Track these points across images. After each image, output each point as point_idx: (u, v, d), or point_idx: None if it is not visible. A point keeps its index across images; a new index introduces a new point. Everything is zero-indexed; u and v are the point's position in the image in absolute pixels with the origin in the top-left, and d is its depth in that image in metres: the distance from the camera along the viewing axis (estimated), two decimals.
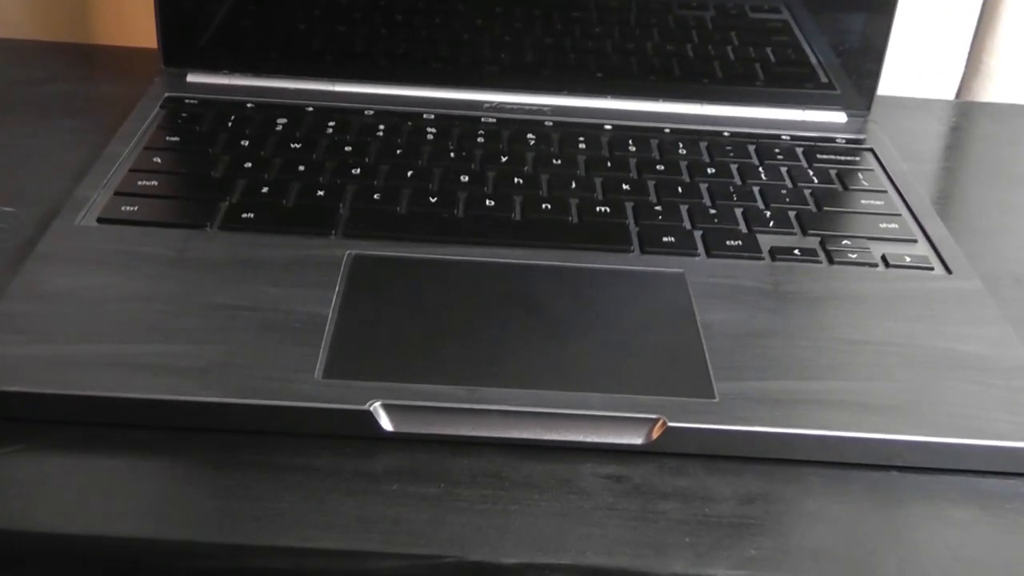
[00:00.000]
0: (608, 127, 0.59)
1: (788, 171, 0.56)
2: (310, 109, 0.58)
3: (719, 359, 0.41)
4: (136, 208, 0.49)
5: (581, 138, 0.58)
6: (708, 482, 0.38)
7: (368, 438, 0.39)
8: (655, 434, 0.39)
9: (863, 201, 0.54)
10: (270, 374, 0.39)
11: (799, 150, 0.58)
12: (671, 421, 0.39)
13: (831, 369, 0.42)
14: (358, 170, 0.53)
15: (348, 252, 0.46)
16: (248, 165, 0.53)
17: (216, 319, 0.42)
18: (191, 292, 0.43)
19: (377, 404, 0.38)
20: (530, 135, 0.58)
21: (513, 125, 0.59)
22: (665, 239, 0.49)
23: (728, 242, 0.49)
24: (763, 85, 0.62)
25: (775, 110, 0.61)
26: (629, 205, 0.52)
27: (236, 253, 0.46)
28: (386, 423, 0.38)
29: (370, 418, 0.38)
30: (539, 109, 0.61)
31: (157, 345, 0.40)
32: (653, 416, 0.39)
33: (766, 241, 0.50)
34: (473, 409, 0.39)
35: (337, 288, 0.44)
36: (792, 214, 0.52)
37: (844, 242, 0.50)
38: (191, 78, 0.60)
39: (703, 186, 0.54)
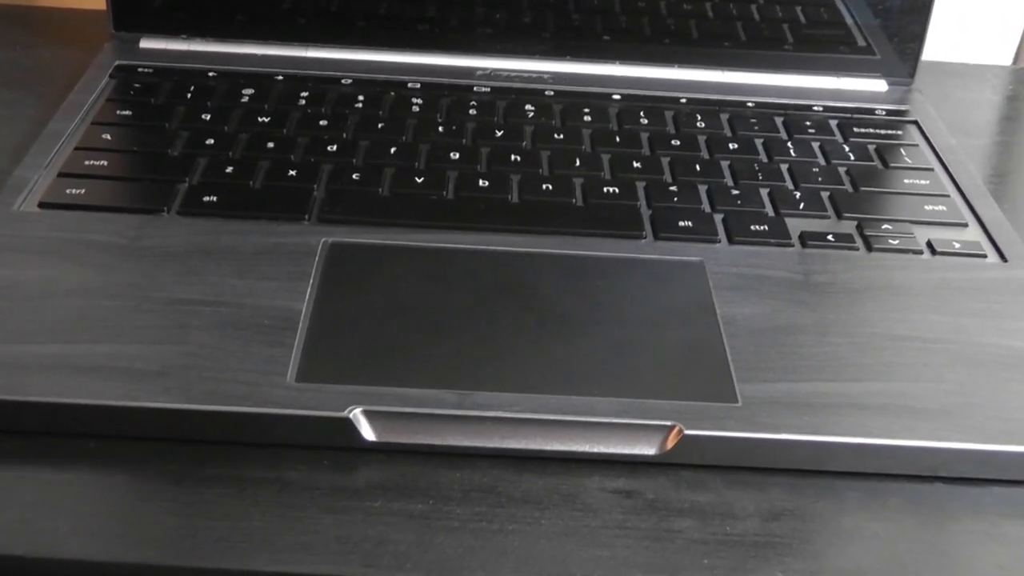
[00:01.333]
0: (617, 97, 0.60)
1: (821, 146, 0.57)
2: (280, 78, 0.59)
3: (742, 358, 0.42)
4: (83, 191, 0.49)
5: (586, 109, 0.58)
6: (729, 497, 0.39)
7: (348, 449, 0.39)
8: (670, 443, 0.39)
9: (906, 180, 0.55)
10: (237, 377, 0.40)
11: (833, 123, 0.59)
12: (688, 428, 0.39)
13: (870, 369, 0.42)
14: (334, 147, 0.53)
15: (324, 239, 0.47)
16: (210, 142, 0.53)
17: (175, 316, 0.42)
18: (146, 285, 0.44)
19: (357, 411, 0.39)
20: (528, 106, 0.58)
21: (509, 95, 0.59)
22: (681, 223, 0.50)
23: (753, 227, 0.50)
24: (792, 49, 0.62)
25: (806, 77, 0.62)
26: (641, 185, 0.52)
27: (197, 241, 0.46)
28: (367, 432, 0.39)
29: (349, 426, 0.39)
30: (539, 77, 0.61)
31: (108, 345, 0.41)
32: (667, 423, 0.39)
33: (796, 225, 0.50)
34: (465, 416, 0.39)
35: (311, 280, 0.44)
36: (825, 195, 0.53)
37: (884, 226, 0.51)
38: (144, 44, 0.61)
39: (724, 164, 0.55)
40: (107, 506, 0.37)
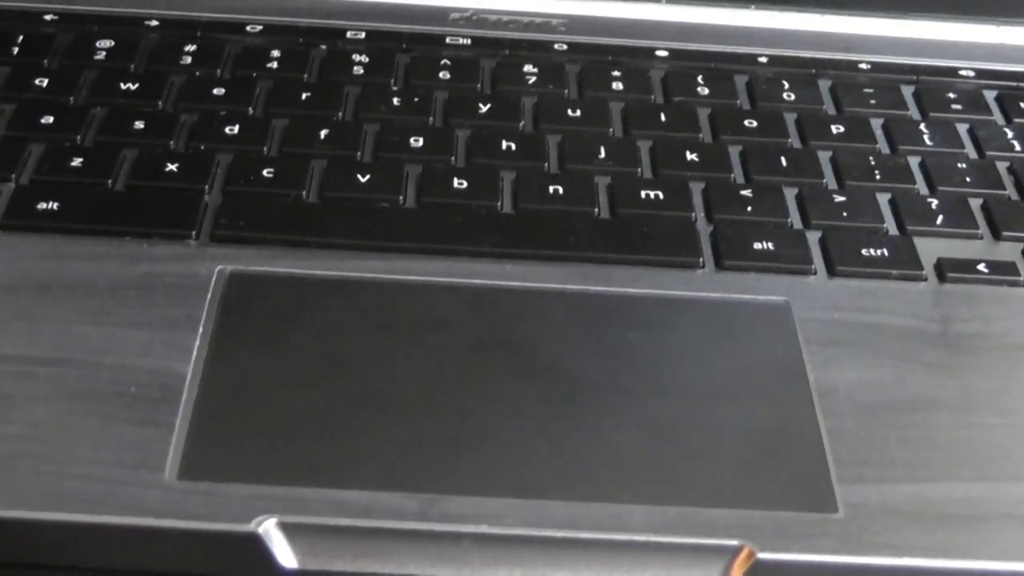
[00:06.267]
0: (662, 53, 0.62)
1: (971, 131, 0.59)
2: (153, 24, 0.61)
3: (845, 447, 0.44)
4: None
5: (616, 72, 0.61)
6: None
7: None
8: (736, 573, 0.41)
9: None
10: (90, 472, 0.41)
11: (990, 95, 0.62)
12: (763, 551, 0.41)
13: None
14: (235, 128, 0.56)
15: (219, 267, 0.49)
16: (47, 120, 0.55)
17: None
18: None
19: (269, 522, 0.40)
20: (529, 67, 0.61)
21: (500, 49, 0.62)
22: (758, 246, 0.52)
23: (865, 251, 0.52)
24: None
25: (949, 25, 0.64)
26: (697, 187, 0.55)
27: (28, 269, 0.48)
28: (285, 555, 0.41)
29: (258, 545, 0.40)
30: (545, 22, 0.64)
31: None
32: (733, 542, 0.41)
33: (931, 249, 0.53)
34: (431, 532, 0.41)
35: (201, 328, 0.46)
36: (976, 204, 0.55)
37: None
38: None
39: (824, 156, 0.57)
40: None
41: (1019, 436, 0.45)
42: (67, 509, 0.40)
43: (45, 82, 0.58)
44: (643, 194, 0.54)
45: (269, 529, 0.40)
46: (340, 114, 0.57)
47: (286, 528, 0.41)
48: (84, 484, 0.41)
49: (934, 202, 0.55)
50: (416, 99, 0.58)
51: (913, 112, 0.60)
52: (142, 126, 0.55)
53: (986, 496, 0.43)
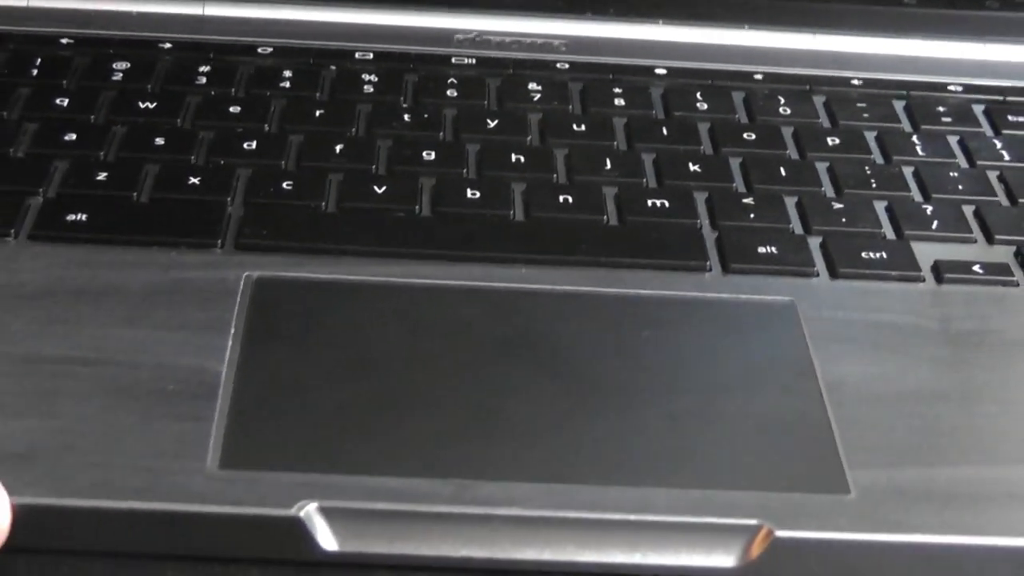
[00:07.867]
0: (662, 71, 0.65)
1: (961, 142, 0.62)
2: (167, 47, 0.64)
3: (854, 434, 0.47)
4: None
5: (618, 89, 0.64)
6: None
7: (297, 563, 0.43)
8: (755, 550, 0.43)
9: None
10: (135, 463, 0.43)
11: (979, 108, 0.65)
12: (780, 529, 0.43)
13: None
14: (253, 143, 0.58)
15: (246, 274, 0.51)
16: (70, 137, 0.58)
17: (39, 379, 0.46)
18: None
19: (310, 507, 0.43)
20: (533, 85, 0.64)
21: (504, 69, 0.65)
22: (762, 250, 0.54)
23: (865, 254, 0.55)
24: (918, 2, 0.68)
25: (936, 43, 0.68)
26: (701, 197, 0.57)
27: (62, 276, 0.51)
28: (326, 538, 0.43)
29: (300, 529, 0.42)
30: (547, 43, 0.66)
31: None
32: (752, 522, 0.43)
33: (927, 252, 0.55)
34: (464, 515, 0.43)
35: (233, 330, 0.49)
36: (969, 210, 0.58)
37: None
38: None
39: (822, 166, 0.60)
40: None
41: (1018, 422, 0.48)
42: (115, 497, 0.42)
43: (66, 102, 0.60)
44: (649, 203, 0.57)
45: (311, 513, 0.43)
46: (354, 130, 0.60)
47: (327, 512, 0.43)
48: (130, 473, 0.43)
49: (929, 208, 0.58)
50: (426, 115, 0.61)
51: (905, 125, 0.63)
52: (162, 142, 0.58)
53: (990, 478, 0.46)
